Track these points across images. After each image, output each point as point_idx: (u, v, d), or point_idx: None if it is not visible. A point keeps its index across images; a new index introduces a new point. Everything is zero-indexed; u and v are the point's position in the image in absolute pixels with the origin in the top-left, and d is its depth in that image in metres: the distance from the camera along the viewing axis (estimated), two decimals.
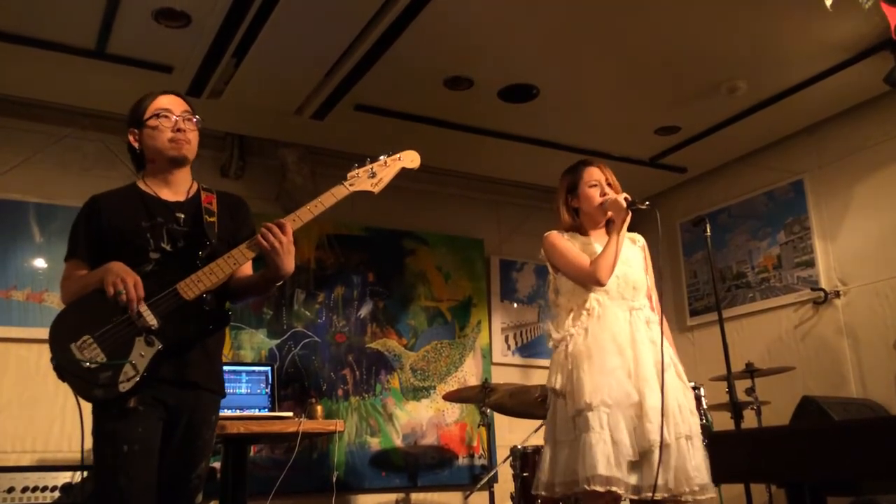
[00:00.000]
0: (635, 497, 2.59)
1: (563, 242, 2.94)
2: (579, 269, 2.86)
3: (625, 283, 2.86)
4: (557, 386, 2.77)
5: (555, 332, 2.89)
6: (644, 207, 2.85)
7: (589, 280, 2.84)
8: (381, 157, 2.41)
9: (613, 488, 2.50)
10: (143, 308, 2.11)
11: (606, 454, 2.54)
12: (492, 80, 4.05)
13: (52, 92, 4.05)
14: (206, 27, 3.48)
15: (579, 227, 3.01)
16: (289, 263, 2.23)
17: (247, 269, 2.39)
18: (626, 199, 2.85)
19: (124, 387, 2.06)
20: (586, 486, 2.52)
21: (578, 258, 2.88)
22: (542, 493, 2.70)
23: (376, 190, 2.39)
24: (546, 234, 3.00)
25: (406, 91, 4.14)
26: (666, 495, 2.58)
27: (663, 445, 2.56)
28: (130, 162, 2.46)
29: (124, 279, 2.09)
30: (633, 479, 2.58)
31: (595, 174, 2.97)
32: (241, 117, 4.37)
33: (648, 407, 2.62)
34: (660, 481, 2.54)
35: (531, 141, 4.74)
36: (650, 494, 2.54)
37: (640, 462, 2.60)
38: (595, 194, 2.93)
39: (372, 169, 2.38)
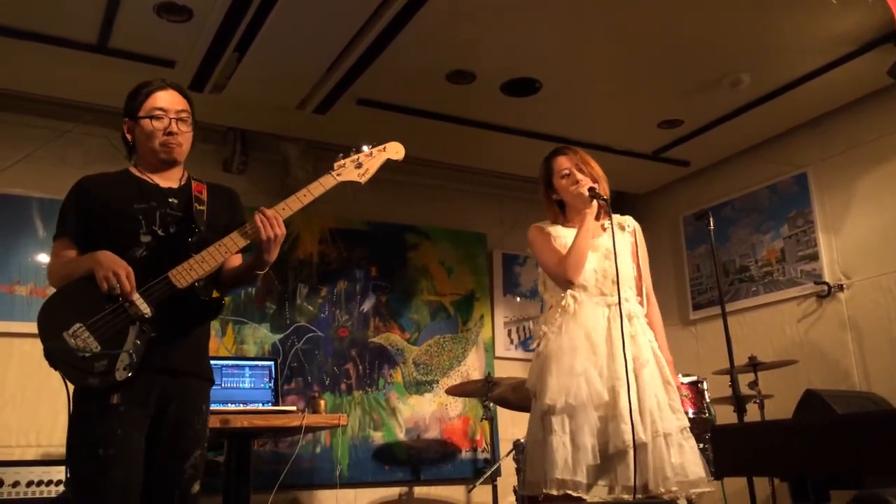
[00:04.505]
0: (609, 498, 2.56)
1: (539, 240, 2.88)
2: (549, 268, 2.82)
3: (603, 277, 2.75)
4: (530, 385, 2.76)
5: (538, 330, 2.85)
6: (604, 199, 2.78)
7: (559, 279, 2.78)
8: (366, 148, 2.43)
9: (569, 492, 2.48)
10: (136, 296, 2.10)
11: (565, 457, 2.51)
12: (494, 74, 4.04)
13: (54, 87, 4.05)
14: (207, 21, 3.47)
15: (566, 218, 2.92)
16: (275, 254, 2.28)
17: (235, 259, 2.39)
18: (590, 189, 2.77)
19: (121, 375, 2.04)
20: (545, 489, 2.52)
21: (550, 255, 2.81)
22: (526, 492, 2.69)
23: (363, 180, 2.41)
24: (530, 228, 2.93)
25: (408, 85, 4.13)
26: (640, 496, 2.52)
27: (639, 445, 2.51)
28: (124, 149, 2.43)
29: (116, 272, 2.07)
30: (602, 480, 2.55)
31: (563, 163, 2.85)
32: (244, 112, 4.37)
33: (622, 406, 2.55)
34: (635, 482, 2.48)
35: (533, 135, 4.72)
36: (625, 496, 2.50)
37: (613, 462, 2.55)
38: (567, 185, 2.82)
39: (358, 159, 2.41)
